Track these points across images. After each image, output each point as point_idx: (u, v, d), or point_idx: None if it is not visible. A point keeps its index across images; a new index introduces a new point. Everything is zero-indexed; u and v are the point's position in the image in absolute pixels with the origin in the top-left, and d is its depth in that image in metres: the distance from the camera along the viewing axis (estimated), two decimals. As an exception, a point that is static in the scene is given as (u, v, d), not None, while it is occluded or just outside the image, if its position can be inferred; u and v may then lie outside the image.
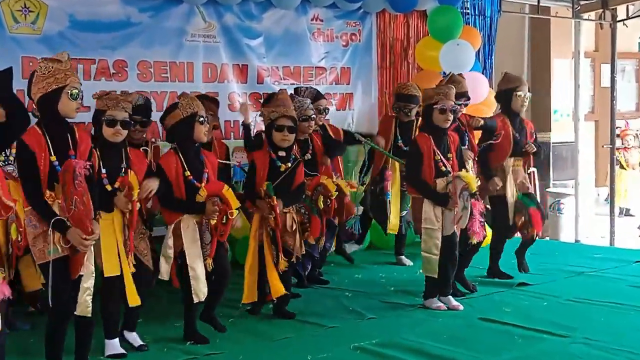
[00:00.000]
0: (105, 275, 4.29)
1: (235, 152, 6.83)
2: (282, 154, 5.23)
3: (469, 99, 6.34)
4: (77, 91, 3.93)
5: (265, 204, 5.07)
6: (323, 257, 6.39)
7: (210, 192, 4.63)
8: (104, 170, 4.30)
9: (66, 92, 3.89)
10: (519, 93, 6.19)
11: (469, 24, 8.24)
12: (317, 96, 6.28)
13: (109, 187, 4.29)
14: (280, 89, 5.76)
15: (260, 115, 5.69)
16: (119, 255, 4.36)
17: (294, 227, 5.22)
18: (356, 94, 8.03)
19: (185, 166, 4.63)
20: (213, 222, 4.64)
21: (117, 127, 4.34)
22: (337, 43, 7.85)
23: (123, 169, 4.37)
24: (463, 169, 5.52)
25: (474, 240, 5.56)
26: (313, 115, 5.85)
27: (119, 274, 4.34)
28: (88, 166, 3.88)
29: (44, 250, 3.86)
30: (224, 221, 4.64)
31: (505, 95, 6.26)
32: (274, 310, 5.37)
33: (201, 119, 4.63)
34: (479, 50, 8.14)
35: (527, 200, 6.28)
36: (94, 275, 4.14)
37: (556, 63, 10.01)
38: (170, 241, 4.65)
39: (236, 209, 4.66)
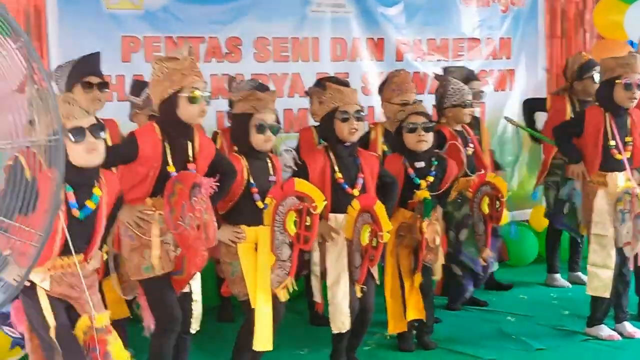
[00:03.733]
0: (253, 307, 4.28)
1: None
2: (420, 164, 5.10)
3: None
4: (198, 92, 3.95)
5: (416, 222, 4.97)
6: (484, 275, 6.17)
7: (362, 206, 4.58)
8: (253, 184, 4.32)
9: (183, 96, 3.93)
10: None
11: (663, -22, 7.90)
12: (468, 77, 6.21)
13: (260, 205, 4.31)
14: (397, 69, 5.71)
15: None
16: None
17: (438, 241, 5.08)
18: (518, 71, 7.86)
19: (336, 167, 4.64)
20: (364, 242, 4.55)
21: (268, 134, 4.34)
22: (494, 8, 7.69)
23: (272, 183, 4.40)
24: None
25: None
26: (470, 101, 5.84)
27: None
28: (215, 186, 3.93)
29: (140, 267, 3.97)
30: (373, 244, 4.55)
31: None
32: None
33: (344, 115, 4.60)
34: (677, 12, 7.72)
35: None
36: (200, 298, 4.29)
37: None
38: (316, 255, 4.65)
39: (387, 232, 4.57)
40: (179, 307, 4.05)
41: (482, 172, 5.67)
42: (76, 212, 3.48)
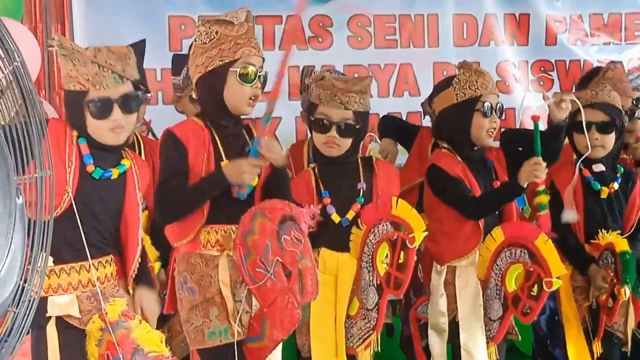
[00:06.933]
0: None
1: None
2: (598, 168, 4.61)
3: None
4: (253, 68, 3.58)
5: (601, 274, 4.56)
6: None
7: (510, 237, 4.20)
8: (326, 192, 4.09)
9: (233, 71, 3.58)
10: None
11: None
12: None
13: (336, 218, 4.06)
14: (613, 61, 5.35)
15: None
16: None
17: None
18: None
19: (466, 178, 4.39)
20: (510, 288, 4.18)
21: (329, 134, 4.06)
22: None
23: (361, 191, 4.13)
24: None
25: None
26: None
27: None
28: (317, 215, 3.65)
29: (203, 332, 3.59)
30: (533, 292, 4.15)
31: None
32: None
33: (485, 106, 4.28)
34: None
35: None
36: None
37: None
38: (443, 302, 4.32)
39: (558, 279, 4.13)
40: None
41: None
42: None
